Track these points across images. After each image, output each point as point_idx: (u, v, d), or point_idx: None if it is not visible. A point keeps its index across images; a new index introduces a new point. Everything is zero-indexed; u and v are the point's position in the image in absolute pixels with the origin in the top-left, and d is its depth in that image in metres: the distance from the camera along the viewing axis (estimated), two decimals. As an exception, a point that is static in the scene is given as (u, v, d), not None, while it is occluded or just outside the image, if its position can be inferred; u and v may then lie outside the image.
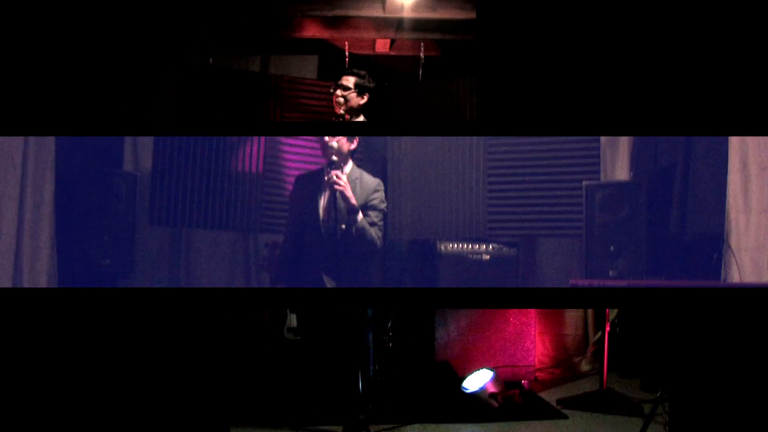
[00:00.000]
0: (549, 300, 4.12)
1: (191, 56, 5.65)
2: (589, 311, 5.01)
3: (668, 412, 3.49)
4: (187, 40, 5.44)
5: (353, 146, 3.95)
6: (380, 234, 3.88)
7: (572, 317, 5.13)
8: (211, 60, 5.74)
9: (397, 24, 5.86)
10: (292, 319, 4.62)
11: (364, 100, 4.37)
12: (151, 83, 5.09)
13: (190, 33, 5.39)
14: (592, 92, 4.03)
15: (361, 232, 3.76)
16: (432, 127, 4.91)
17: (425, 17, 5.85)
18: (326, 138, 3.87)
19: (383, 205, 3.93)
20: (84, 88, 4.36)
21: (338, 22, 5.75)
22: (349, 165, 3.93)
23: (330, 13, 5.64)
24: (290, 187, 4.37)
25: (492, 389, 4.29)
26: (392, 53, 6.19)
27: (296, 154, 4.94)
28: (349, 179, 3.83)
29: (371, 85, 4.39)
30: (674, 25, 3.95)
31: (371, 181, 3.95)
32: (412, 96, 5.91)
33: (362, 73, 4.41)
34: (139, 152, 4.72)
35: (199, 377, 3.51)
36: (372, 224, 3.83)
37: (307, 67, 6.19)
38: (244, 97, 5.57)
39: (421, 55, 6.08)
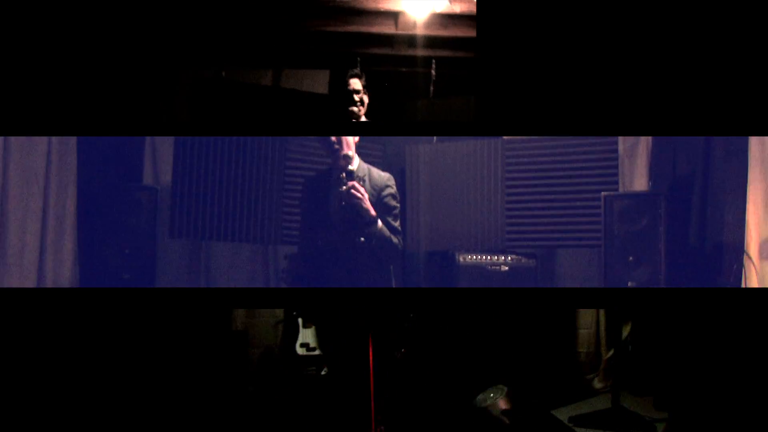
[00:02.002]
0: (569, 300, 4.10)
1: (203, 69, 5.65)
2: (602, 328, 4.97)
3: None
4: (199, 54, 5.44)
5: (357, 138, 3.84)
6: (400, 238, 3.70)
7: (584, 334, 5.06)
8: (223, 73, 5.74)
9: (409, 41, 5.87)
10: (306, 334, 4.63)
11: (367, 100, 4.46)
12: (163, 96, 5.09)
13: (202, 46, 5.40)
14: (597, 96, 3.98)
15: (381, 241, 3.57)
16: (434, 127, 4.88)
17: (437, 34, 5.87)
18: (343, 146, 3.72)
19: (395, 202, 3.71)
20: (97, 99, 4.36)
21: (350, 38, 5.77)
22: (356, 161, 3.71)
23: (342, 29, 5.66)
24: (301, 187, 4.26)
25: (504, 406, 4.24)
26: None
27: (317, 163, 4.79)
28: (357, 177, 3.64)
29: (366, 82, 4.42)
30: (683, 32, 3.90)
31: (381, 176, 3.75)
32: (423, 112, 5.90)
33: (357, 71, 4.45)
34: (159, 166, 4.73)
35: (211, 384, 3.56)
36: (392, 230, 3.65)
37: (318, 82, 6.18)
38: (256, 110, 5.57)
39: (432, 71, 6.05)
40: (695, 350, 3.43)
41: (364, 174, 3.68)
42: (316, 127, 4.73)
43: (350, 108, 4.44)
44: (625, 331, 4.67)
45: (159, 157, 4.75)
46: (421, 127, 4.81)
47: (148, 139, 4.72)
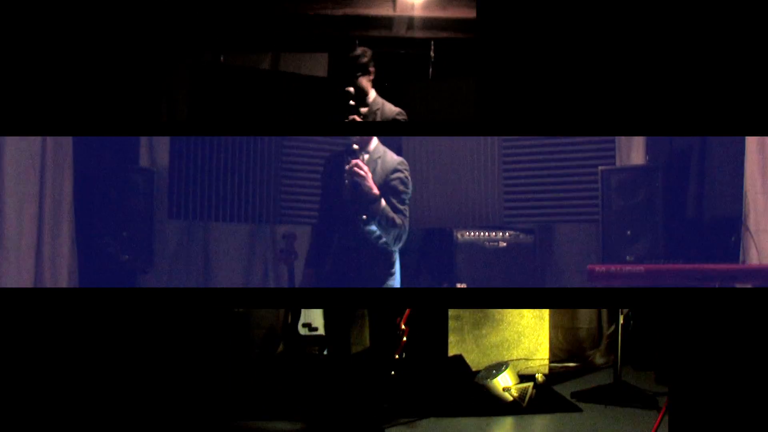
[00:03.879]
0: (566, 299, 4.07)
1: (202, 54, 5.63)
2: None
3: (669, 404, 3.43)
4: (197, 38, 5.42)
5: (371, 75, 3.94)
6: (404, 220, 3.59)
7: (586, 310, 5.10)
8: (222, 58, 5.71)
9: (408, 23, 5.81)
10: (308, 315, 4.63)
11: (371, 76, 4.23)
12: (162, 81, 5.06)
13: (200, 31, 5.37)
14: (600, 90, 3.91)
15: (383, 220, 3.51)
16: (436, 127, 4.86)
17: (435, 16, 5.81)
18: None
19: (404, 187, 3.62)
20: (94, 86, 4.29)
21: (348, 21, 5.73)
22: (374, 141, 3.67)
23: (340, 12, 5.62)
24: (308, 176, 4.36)
25: (506, 382, 4.23)
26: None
27: (314, 142, 4.91)
28: (371, 158, 3.60)
29: (369, 56, 4.22)
30: (686, 18, 3.84)
31: (393, 160, 3.67)
32: (422, 95, 5.80)
33: (356, 52, 4.24)
34: (155, 148, 4.72)
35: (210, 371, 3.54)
36: (395, 210, 3.55)
37: (317, 65, 6.12)
38: (255, 95, 5.52)
39: (431, 53, 6.00)
40: (698, 325, 3.33)
41: (379, 156, 3.65)
42: (316, 127, 4.84)
43: (345, 88, 4.33)
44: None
45: (155, 138, 4.74)
46: (422, 127, 4.80)
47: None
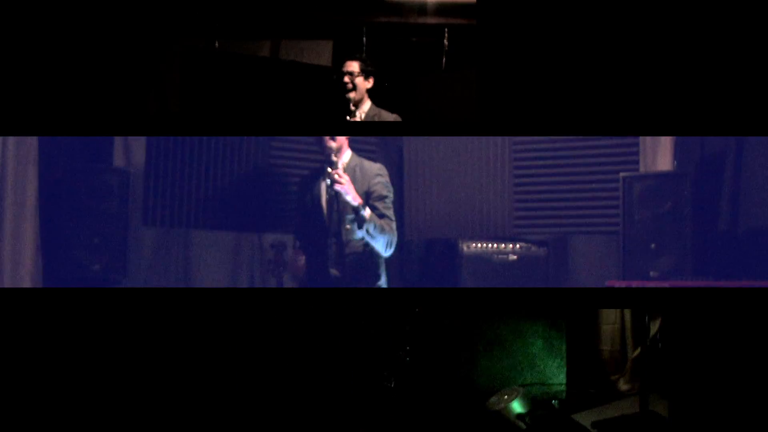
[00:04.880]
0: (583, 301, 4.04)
1: (194, 39, 5.44)
2: (628, 324, 4.80)
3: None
4: (189, 21, 5.27)
5: (370, 84, 4.20)
6: (392, 224, 3.76)
7: (609, 330, 4.86)
8: (216, 44, 5.51)
9: (420, 7, 5.75)
10: None
11: (370, 84, 4.38)
12: (150, 69, 4.90)
13: (193, 13, 5.25)
14: (614, 89, 3.85)
15: (369, 228, 3.63)
16: (438, 127, 4.89)
17: (449, 1, 5.75)
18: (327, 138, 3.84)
19: (387, 191, 3.79)
20: (76, 75, 4.18)
21: (355, 5, 5.69)
22: (347, 153, 3.85)
23: None
24: (297, 180, 4.24)
25: (519, 409, 4.09)
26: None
27: (303, 143, 4.73)
28: (348, 167, 3.76)
29: (372, 68, 4.41)
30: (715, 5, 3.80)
31: (371, 167, 3.85)
32: (434, 86, 5.71)
33: (363, 56, 4.49)
34: (131, 146, 4.49)
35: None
36: (381, 216, 3.71)
37: (321, 53, 5.98)
38: (253, 86, 5.37)
39: (445, 42, 5.87)
40: (733, 348, 3.32)
41: (355, 164, 3.81)
42: (310, 127, 4.69)
43: (346, 94, 4.44)
44: (654, 327, 4.44)
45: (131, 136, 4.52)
46: (422, 127, 4.86)
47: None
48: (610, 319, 4.82)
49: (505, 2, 3.97)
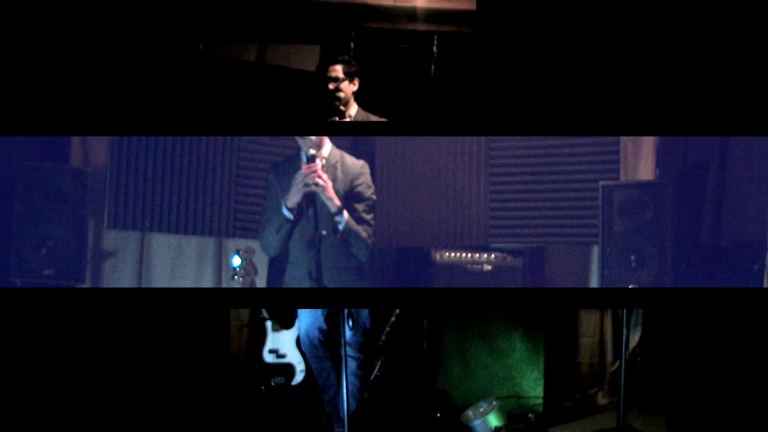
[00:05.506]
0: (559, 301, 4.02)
1: (178, 41, 5.38)
2: (607, 337, 4.82)
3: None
4: (172, 22, 5.17)
5: (355, 87, 4.09)
6: (370, 231, 3.54)
7: (587, 343, 4.85)
8: (200, 46, 5.46)
9: (410, 14, 5.74)
10: (275, 339, 4.37)
11: (356, 87, 4.28)
12: (133, 71, 4.80)
13: (176, 14, 5.16)
14: (606, 89, 3.95)
15: (347, 235, 3.43)
16: (435, 127, 4.77)
17: (440, 7, 5.73)
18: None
19: (370, 192, 3.59)
20: (55, 77, 4.16)
21: (344, 10, 5.65)
22: (328, 146, 3.58)
23: (336, 0, 5.56)
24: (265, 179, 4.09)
25: (495, 422, 4.11)
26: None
27: (273, 145, 4.58)
28: (328, 164, 3.52)
29: (357, 68, 4.29)
30: (703, 10, 3.88)
31: (354, 163, 3.61)
32: (424, 94, 5.70)
33: (346, 58, 4.33)
34: (91, 144, 4.38)
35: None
36: (360, 221, 3.49)
37: (308, 58, 5.92)
38: (238, 90, 5.32)
39: (434, 49, 5.87)
40: (716, 361, 3.37)
41: (336, 160, 3.58)
42: (297, 127, 4.46)
43: (335, 94, 4.34)
44: (634, 340, 4.52)
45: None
46: (412, 127, 4.78)
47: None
48: (588, 331, 4.81)
49: (504, 9, 4.03)
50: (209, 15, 5.41)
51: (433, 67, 5.80)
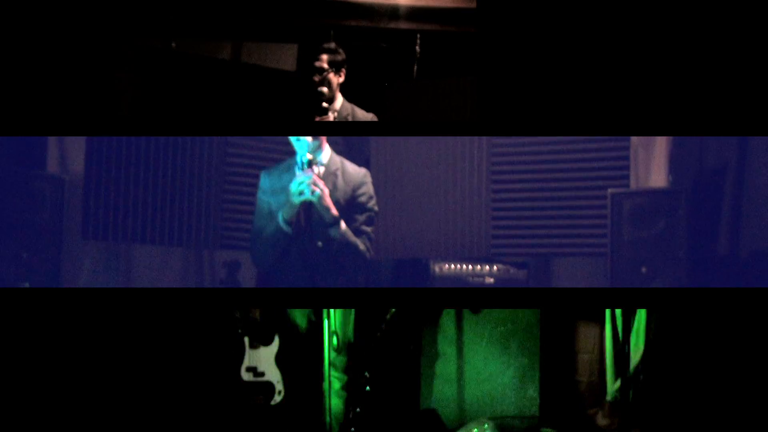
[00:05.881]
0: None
1: (150, 38, 5.24)
2: (608, 354, 4.70)
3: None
4: (144, 19, 5.06)
5: (342, 78, 3.96)
6: (369, 245, 3.39)
7: (586, 360, 4.74)
8: (173, 44, 5.31)
9: (391, 11, 5.64)
10: (252, 357, 4.21)
11: (341, 78, 4.14)
12: (102, 69, 4.67)
13: (147, 10, 5.05)
14: (605, 89, 3.86)
15: (344, 247, 3.29)
16: (432, 127, 4.71)
17: (424, 5, 5.64)
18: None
19: (372, 203, 3.43)
20: (20, 76, 4.05)
21: (321, 7, 5.54)
22: (327, 152, 3.44)
23: None
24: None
25: None
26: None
27: (263, 150, 4.49)
28: (327, 171, 3.37)
29: (344, 56, 4.16)
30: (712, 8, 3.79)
31: (356, 171, 3.45)
32: (405, 96, 5.49)
33: (331, 45, 4.17)
34: (68, 149, 4.28)
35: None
36: (358, 233, 3.35)
37: (285, 57, 5.84)
38: (212, 89, 5.19)
39: (417, 48, 5.75)
40: (725, 381, 3.35)
41: (336, 168, 3.44)
42: (291, 127, 4.42)
43: (317, 88, 4.20)
44: (636, 357, 4.37)
45: (68, 138, 4.30)
46: (403, 127, 4.69)
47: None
48: (587, 347, 4.70)
49: (503, 9, 3.95)
50: (182, 12, 5.30)
51: (415, 68, 5.71)
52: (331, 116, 4.08)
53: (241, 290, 3.98)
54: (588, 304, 4.44)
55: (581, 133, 4.29)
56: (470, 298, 4.03)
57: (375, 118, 3.85)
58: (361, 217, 3.38)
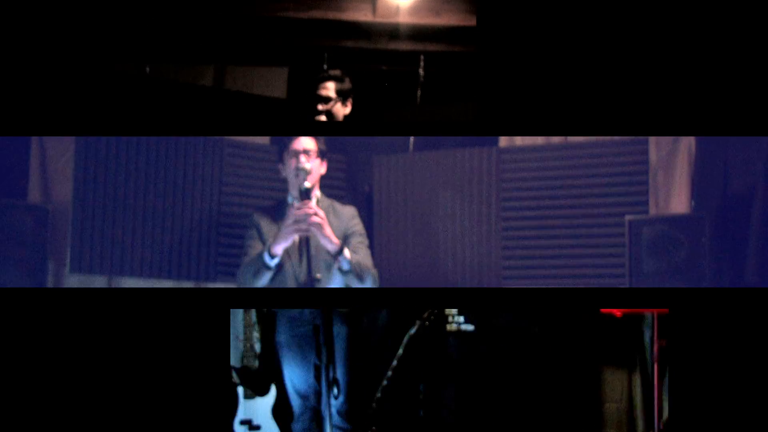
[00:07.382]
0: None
1: (122, 63, 5.13)
2: (637, 403, 4.40)
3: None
4: (117, 42, 4.96)
5: (323, 170, 3.62)
6: (376, 272, 3.55)
7: (613, 409, 4.42)
8: (147, 69, 5.21)
9: (391, 31, 5.58)
10: (248, 408, 4.02)
11: (348, 108, 3.95)
12: (72, 95, 4.54)
13: (121, 33, 4.94)
14: (608, 105, 3.73)
15: (357, 269, 3.38)
16: (432, 127, 4.70)
17: (426, 23, 5.56)
18: (299, 159, 3.50)
19: (364, 231, 3.64)
20: None
21: (316, 27, 5.44)
22: (317, 193, 3.57)
23: (305, 15, 5.28)
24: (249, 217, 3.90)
25: None
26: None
27: (260, 179, 4.34)
28: (320, 205, 3.48)
29: (350, 85, 3.99)
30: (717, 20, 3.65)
31: (346, 209, 3.64)
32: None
33: (338, 73, 3.96)
34: (52, 177, 4.15)
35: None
36: (357, 251, 3.50)
37: (274, 82, 5.81)
38: (192, 119, 5.03)
39: (421, 71, 5.75)
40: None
41: (328, 206, 3.58)
42: (281, 127, 4.51)
43: (316, 118, 4.04)
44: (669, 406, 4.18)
45: (52, 166, 4.16)
46: (411, 128, 4.65)
47: (35, 140, 4.09)
48: (614, 395, 4.39)
49: (503, 26, 3.84)
50: (159, 33, 5.21)
51: (419, 92, 5.67)
52: (320, 212, 3.71)
53: (241, 290, 3.81)
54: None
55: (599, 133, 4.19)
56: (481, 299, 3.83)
57: (355, 209, 3.76)
58: (356, 240, 3.51)
